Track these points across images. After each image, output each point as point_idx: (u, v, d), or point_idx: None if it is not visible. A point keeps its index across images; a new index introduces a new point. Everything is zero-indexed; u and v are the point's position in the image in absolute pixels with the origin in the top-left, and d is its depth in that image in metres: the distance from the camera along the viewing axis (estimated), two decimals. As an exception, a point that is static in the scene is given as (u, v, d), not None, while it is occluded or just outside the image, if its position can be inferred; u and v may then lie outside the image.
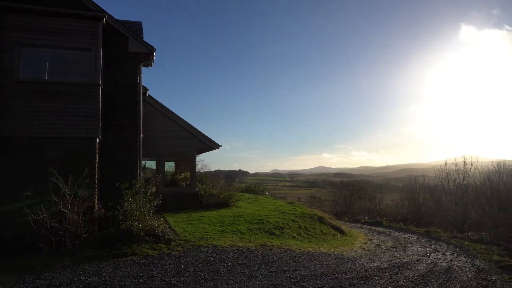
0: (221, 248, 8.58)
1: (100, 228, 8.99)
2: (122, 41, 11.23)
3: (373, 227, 17.24)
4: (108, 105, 10.75)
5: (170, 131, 15.89)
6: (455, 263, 9.17)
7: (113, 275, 6.56)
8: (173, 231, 9.99)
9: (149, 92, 14.79)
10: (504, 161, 15.77)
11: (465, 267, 8.72)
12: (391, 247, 11.50)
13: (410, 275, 7.67)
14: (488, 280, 7.47)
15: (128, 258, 7.57)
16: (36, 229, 7.87)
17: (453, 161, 18.02)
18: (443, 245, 12.24)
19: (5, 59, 9.47)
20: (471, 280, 7.47)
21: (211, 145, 16.80)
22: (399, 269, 8.15)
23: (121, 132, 10.99)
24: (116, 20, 11.20)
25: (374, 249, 11.07)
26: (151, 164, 17.53)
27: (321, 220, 13.87)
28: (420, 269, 8.27)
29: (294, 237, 11.08)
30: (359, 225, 18.44)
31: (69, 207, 8.34)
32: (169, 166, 17.88)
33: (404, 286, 6.80)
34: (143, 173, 12.33)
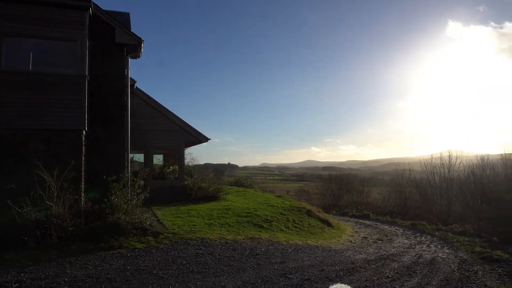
0: (209, 241, 8.59)
1: (87, 222, 8.89)
2: (109, 32, 11.02)
3: (360, 220, 17.49)
4: (94, 97, 10.57)
5: (158, 124, 15.76)
6: (439, 254, 9.38)
7: (99, 268, 6.51)
8: (161, 224, 9.95)
9: (137, 85, 14.60)
10: (488, 155, 16.12)
11: (449, 258, 8.93)
12: (377, 239, 11.68)
13: (396, 266, 7.81)
14: (470, 271, 7.66)
15: (115, 251, 7.52)
16: (21, 222, 7.74)
17: (439, 155, 18.35)
18: (428, 237, 12.49)
19: (-13, 49, 9.20)
20: (454, 271, 7.66)
21: (200, 138, 16.72)
22: (385, 261, 8.30)
23: (108, 125, 10.85)
24: (103, 10, 10.97)
25: (361, 241, 11.24)
26: (139, 157, 17.35)
27: (309, 213, 13.99)
28: (405, 261, 8.43)
29: (282, 230, 11.16)
30: (346, 218, 18.68)
31: (55, 200, 8.22)
32: (158, 159, 17.72)
33: (389, 277, 6.93)
34: (131, 166, 12.21)
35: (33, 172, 8.32)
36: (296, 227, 11.90)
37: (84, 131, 9.94)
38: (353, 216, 19.49)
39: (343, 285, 4.56)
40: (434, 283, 6.66)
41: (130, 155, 12.38)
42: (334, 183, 32.06)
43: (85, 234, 8.24)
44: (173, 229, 9.40)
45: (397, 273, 7.28)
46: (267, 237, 9.71)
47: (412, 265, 8.04)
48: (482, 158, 15.76)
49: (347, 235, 12.23)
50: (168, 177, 17.12)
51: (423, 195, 18.37)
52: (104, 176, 9.31)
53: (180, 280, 6.10)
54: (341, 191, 29.92)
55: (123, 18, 12.90)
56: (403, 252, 9.56)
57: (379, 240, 11.57)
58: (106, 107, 10.88)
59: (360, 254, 9.04)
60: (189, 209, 12.62)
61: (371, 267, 7.67)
